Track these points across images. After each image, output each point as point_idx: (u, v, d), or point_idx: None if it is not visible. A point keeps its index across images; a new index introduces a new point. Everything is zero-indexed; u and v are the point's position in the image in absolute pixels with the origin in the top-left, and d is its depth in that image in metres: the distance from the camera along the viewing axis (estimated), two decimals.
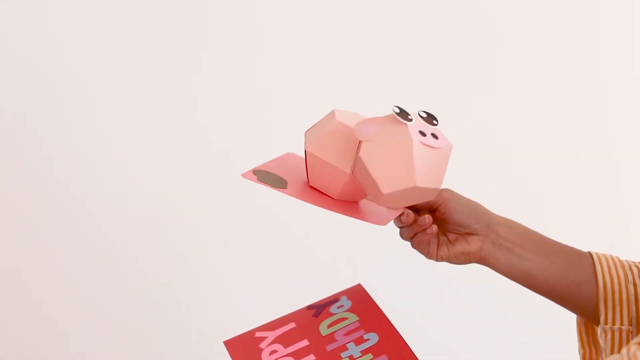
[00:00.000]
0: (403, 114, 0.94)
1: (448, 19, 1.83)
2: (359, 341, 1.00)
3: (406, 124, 0.93)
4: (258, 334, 1.06)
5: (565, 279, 1.01)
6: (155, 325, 1.85)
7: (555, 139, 1.86)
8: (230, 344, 1.05)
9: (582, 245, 1.05)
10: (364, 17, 1.82)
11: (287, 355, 1.01)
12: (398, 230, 1.04)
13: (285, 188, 0.98)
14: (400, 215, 1.00)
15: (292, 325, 1.06)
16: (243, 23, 1.81)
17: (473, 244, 1.02)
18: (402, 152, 0.92)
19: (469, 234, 1.02)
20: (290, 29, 1.82)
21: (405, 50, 1.83)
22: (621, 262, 1.02)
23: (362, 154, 0.94)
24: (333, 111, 1.00)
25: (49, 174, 1.81)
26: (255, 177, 0.97)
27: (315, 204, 0.97)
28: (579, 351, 1.05)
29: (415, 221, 1.01)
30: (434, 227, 1.01)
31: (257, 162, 1.79)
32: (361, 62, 1.83)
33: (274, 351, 1.02)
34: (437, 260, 1.04)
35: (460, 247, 1.03)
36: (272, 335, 1.05)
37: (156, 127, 1.82)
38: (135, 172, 1.82)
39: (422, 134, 0.94)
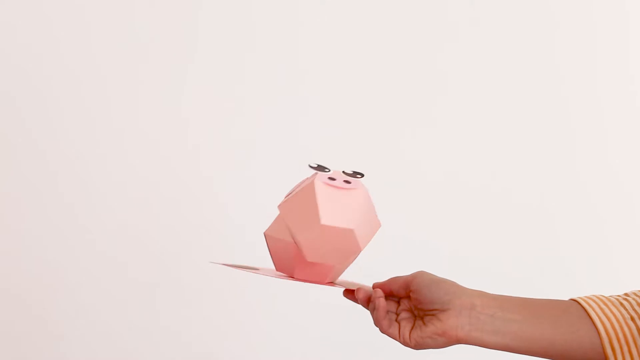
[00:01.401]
0: (319, 167, 0.95)
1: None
2: None
3: (316, 172, 0.95)
4: None
5: (560, 331, 0.94)
6: (153, 328, 1.85)
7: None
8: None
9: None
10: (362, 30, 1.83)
11: None
12: None
13: (258, 269, 0.99)
14: (354, 291, 0.98)
15: None
16: (237, 24, 1.81)
17: (446, 321, 0.94)
18: (308, 196, 0.92)
19: (442, 310, 0.94)
20: (286, 32, 1.82)
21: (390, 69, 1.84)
22: (609, 300, 0.96)
23: (280, 208, 0.95)
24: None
25: (46, 174, 1.80)
26: (228, 265, 0.98)
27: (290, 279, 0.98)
28: None
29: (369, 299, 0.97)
30: (379, 301, 0.96)
31: (255, 161, 1.81)
32: (356, 68, 1.84)
33: None
34: (412, 345, 0.96)
35: (433, 326, 0.95)
36: None
37: (153, 127, 1.82)
38: (130, 172, 1.82)
39: (332, 179, 0.94)
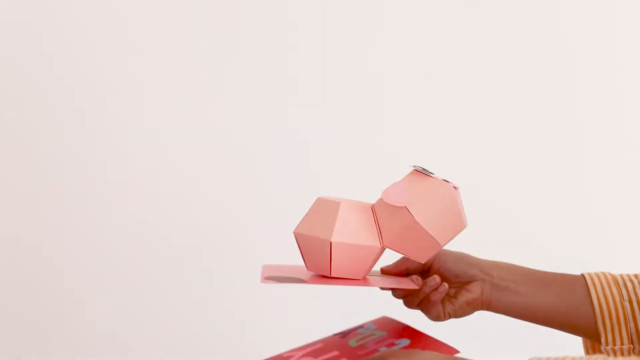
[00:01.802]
0: (425, 170, 0.98)
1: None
2: (390, 346, 1.01)
3: (437, 177, 0.97)
4: (286, 354, 1.05)
5: (563, 306, 1.02)
6: (162, 327, 1.86)
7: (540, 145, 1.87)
8: None
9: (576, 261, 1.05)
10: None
11: None
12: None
13: (304, 280, 0.98)
14: (411, 280, 1.02)
15: (320, 345, 1.06)
16: (248, 22, 1.82)
17: (474, 291, 1.03)
18: (450, 203, 0.95)
19: (468, 282, 1.03)
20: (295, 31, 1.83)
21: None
22: (615, 279, 1.02)
23: (416, 216, 0.95)
24: (319, 199, 1.02)
25: (52, 173, 1.82)
26: (273, 281, 0.96)
27: (339, 284, 0.98)
28: None
29: (424, 284, 1.01)
30: (445, 285, 1.01)
31: (255, 162, 1.82)
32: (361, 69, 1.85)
33: None
34: (444, 319, 1.04)
35: (464, 297, 1.03)
36: (300, 352, 1.04)
37: (160, 126, 1.83)
38: (136, 170, 1.83)
39: (447, 181, 0.97)
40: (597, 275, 1.02)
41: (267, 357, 1.03)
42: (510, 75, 1.85)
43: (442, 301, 1.04)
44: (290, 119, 1.84)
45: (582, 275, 1.03)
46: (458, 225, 0.96)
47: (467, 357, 0.93)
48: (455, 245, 1.04)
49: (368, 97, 1.85)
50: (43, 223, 1.82)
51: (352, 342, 1.04)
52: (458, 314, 1.04)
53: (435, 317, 1.03)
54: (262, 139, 1.84)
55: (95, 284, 1.83)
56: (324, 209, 0.99)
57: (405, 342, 1.00)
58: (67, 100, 1.81)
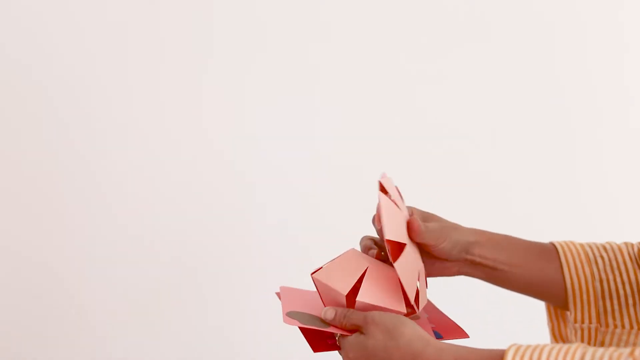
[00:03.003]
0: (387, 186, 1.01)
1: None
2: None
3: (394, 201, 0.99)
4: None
5: (537, 282, 1.04)
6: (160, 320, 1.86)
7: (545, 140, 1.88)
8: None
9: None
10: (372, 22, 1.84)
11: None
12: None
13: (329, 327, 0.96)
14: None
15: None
16: (248, 24, 1.82)
17: (451, 268, 1.05)
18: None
19: (447, 260, 1.04)
20: (295, 30, 1.83)
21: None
22: (587, 256, 1.04)
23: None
24: (352, 250, 1.01)
25: (55, 173, 1.82)
26: (297, 322, 0.95)
27: None
28: (548, 324, 1.08)
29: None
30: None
31: (257, 162, 1.82)
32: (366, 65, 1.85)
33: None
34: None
35: (438, 270, 1.04)
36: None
37: (160, 127, 1.83)
38: (139, 171, 1.83)
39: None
40: (569, 249, 1.04)
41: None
42: (523, 68, 1.86)
43: None
44: (290, 119, 1.84)
45: (555, 249, 1.05)
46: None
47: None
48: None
49: (368, 97, 1.85)
50: (36, 226, 1.82)
51: None
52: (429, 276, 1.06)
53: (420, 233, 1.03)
54: (262, 139, 1.84)
55: (91, 286, 1.84)
56: (354, 263, 0.98)
57: (423, 314, 1.01)
58: (65, 101, 1.81)
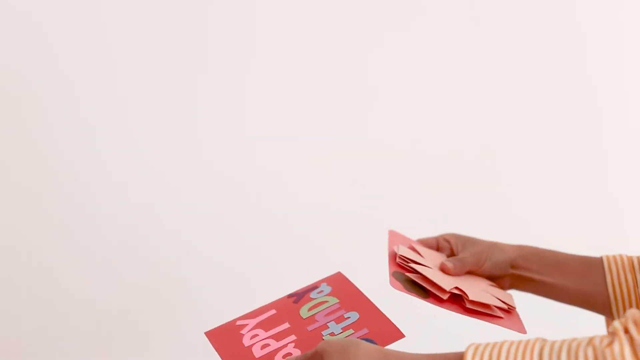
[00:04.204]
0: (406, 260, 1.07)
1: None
2: (339, 320, 1.02)
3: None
4: (239, 322, 1.09)
5: (581, 291, 1.07)
6: (146, 322, 1.86)
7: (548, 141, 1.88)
8: (211, 334, 1.08)
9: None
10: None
11: (268, 337, 1.03)
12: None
13: (428, 298, 1.03)
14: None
15: (273, 312, 1.08)
16: (245, 24, 1.82)
17: (501, 285, 1.11)
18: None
19: (498, 277, 1.10)
20: (294, 30, 1.83)
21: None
22: (631, 264, 1.06)
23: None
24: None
25: (50, 173, 1.82)
26: (402, 286, 1.02)
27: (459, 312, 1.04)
28: None
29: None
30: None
31: (256, 163, 1.82)
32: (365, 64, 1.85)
33: (255, 335, 1.05)
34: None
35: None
36: (252, 322, 1.08)
37: (159, 127, 1.83)
38: (136, 171, 1.83)
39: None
40: (614, 258, 1.07)
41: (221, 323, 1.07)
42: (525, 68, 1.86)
43: None
44: (288, 120, 1.84)
45: (601, 258, 1.08)
46: None
47: (410, 342, 0.96)
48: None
49: (369, 96, 1.85)
50: (35, 228, 1.82)
51: (304, 311, 1.06)
52: None
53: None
54: (259, 140, 1.84)
55: (90, 286, 1.84)
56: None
57: (355, 316, 1.02)
58: (66, 101, 1.81)
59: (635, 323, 0.72)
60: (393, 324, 0.99)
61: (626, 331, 0.73)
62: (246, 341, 1.05)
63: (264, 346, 1.03)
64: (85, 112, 1.81)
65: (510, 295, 1.11)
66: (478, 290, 1.06)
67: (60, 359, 1.83)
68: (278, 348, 1.01)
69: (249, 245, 1.85)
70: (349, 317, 1.02)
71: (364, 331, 0.98)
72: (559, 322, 1.66)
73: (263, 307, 1.10)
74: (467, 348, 0.80)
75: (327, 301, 1.07)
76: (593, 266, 1.07)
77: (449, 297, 1.03)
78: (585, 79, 1.86)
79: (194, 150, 1.83)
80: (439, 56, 1.84)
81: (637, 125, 1.88)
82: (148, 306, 1.85)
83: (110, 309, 1.84)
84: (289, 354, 1.00)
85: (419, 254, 1.09)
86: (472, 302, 1.02)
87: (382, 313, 1.01)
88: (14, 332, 1.83)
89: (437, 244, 1.13)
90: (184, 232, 1.84)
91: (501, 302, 1.05)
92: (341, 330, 1.00)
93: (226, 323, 1.09)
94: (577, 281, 1.07)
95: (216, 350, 1.05)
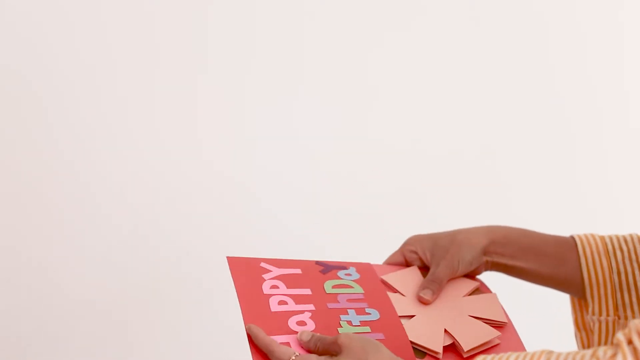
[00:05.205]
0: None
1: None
2: (360, 311, 1.00)
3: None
4: (263, 265, 1.05)
5: (555, 276, 1.06)
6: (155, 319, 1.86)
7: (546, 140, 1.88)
8: (232, 261, 1.04)
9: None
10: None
11: (287, 295, 1.00)
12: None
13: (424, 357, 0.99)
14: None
15: (298, 271, 1.05)
16: (245, 24, 1.82)
17: (476, 272, 1.09)
18: None
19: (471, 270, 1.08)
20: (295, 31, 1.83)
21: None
22: (605, 248, 1.05)
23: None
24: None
25: (51, 172, 1.82)
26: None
27: None
28: (571, 315, 1.08)
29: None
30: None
31: (257, 162, 1.83)
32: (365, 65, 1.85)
33: (275, 286, 1.01)
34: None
35: (466, 274, 1.09)
36: (276, 271, 1.04)
37: (159, 127, 1.83)
38: (136, 171, 1.83)
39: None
40: (587, 241, 1.05)
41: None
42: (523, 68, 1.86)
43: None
44: (288, 120, 1.84)
45: (574, 241, 1.06)
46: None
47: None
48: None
49: (369, 96, 1.85)
50: (34, 229, 1.82)
51: (328, 286, 1.04)
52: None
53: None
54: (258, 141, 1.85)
55: (89, 286, 1.84)
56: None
57: (376, 315, 1.00)
58: (61, 104, 1.81)
59: (639, 334, 0.72)
60: (409, 341, 0.97)
61: (629, 342, 0.73)
62: (265, 288, 1.01)
63: (281, 302, 0.99)
64: (85, 112, 1.81)
65: (497, 301, 1.06)
66: (467, 325, 1.01)
67: (60, 359, 1.84)
68: (295, 312, 0.98)
69: (249, 245, 1.85)
70: (370, 314, 1.00)
71: (380, 336, 0.97)
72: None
73: (289, 260, 1.07)
74: None
75: (352, 287, 1.04)
76: (567, 249, 1.06)
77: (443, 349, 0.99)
78: (585, 79, 1.86)
79: (194, 150, 1.83)
80: (439, 56, 1.84)
81: (637, 125, 1.88)
82: (148, 306, 1.86)
83: (110, 309, 1.84)
84: (303, 322, 0.97)
85: (394, 290, 1.05)
86: (469, 351, 0.98)
87: (400, 322, 1.00)
88: (14, 332, 1.83)
89: (404, 259, 1.10)
90: (184, 232, 1.84)
91: (492, 327, 1.01)
92: (359, 323, 0.98)
93: (249, 258, 1.05)
94: (551, 265, 1.05)
95: (232, 277, 1.01)
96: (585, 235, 1.06)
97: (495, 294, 1.07)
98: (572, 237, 1.07)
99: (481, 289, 1.08)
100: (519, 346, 1.01)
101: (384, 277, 1.06)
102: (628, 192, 1.89)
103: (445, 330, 1.00)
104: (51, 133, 1.81)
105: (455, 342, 0.99)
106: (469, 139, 1.86)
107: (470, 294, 1.07)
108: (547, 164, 1.87)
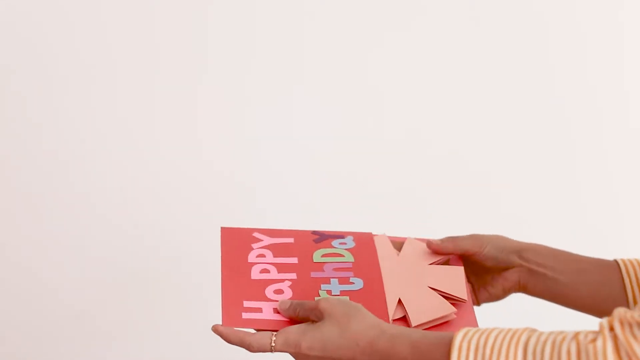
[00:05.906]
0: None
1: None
2: (343, 281, 1.00)
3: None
4: (256, 234, 1.07)
5: (598, 297, 1.01)
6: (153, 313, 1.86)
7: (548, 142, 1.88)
8: (225, 231, 1.06)
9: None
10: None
11: (271, 263, 1.01)
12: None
13: None
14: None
15: (291, 240, 1.07)
16: (245, 24, 1.82)
17: (511, 278, 1.03)
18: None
19: (505, 268, 1.03)
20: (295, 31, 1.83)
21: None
22: None
23: None
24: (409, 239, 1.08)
25: (50, 173, 1.82)
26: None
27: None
28: None
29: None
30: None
31: (257, 162, 1.82)
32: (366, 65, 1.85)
33: (262, 255, 1.03)
34: (478, 305, 1.05)
35: (500, 285, 1.04)
36: (267, 240, 1.06)
37: (158, 129, 1.83)
38: (136, 171, 1.83)
39: None
40: (631, 263, 1.01)
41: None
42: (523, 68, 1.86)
43: (477, 287, 1.05)
44: (288, 120, 1.84)
45: (617, 263, 1.02)
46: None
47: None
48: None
49: (369, 96, 1.85)
50: (34, 229, 1.82)
51: (317, 255, 1.04)
52: (492, 299, 1.05)
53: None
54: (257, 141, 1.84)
55: (88, 287, 1.84)
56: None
57: (359, 284, 0.99)
58: (61, 104, 1.81)
59: (621, 322, 0.73)
60: (386, 308, 0.96)
61: (611, 329, 0.74)
62: (251, 257, 1.02)
63: (263, 270, 1.00)
64: (86, 112, 1.81)
65: (462, 275, 1.02)
66: (423, 297, 0.98)
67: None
68: (274, 280, 0.98)
69: None
70: (354, 284, 0.99)
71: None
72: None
73: (284, 230, 1.08)
74: (460, 331, 0.81)
75: (343, 255, 1.04)
76: (610, 270, 1.01)
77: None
78: (585, 79, 1.86)
79: (194, 150, 1.83)
80: (439, 56, 1.84)
81: (637, 125, 1.88)
82: (148, 306, 1.86)
83: (110, 309, 1.84)
84: (281, 290, 0.97)
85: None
86: (418, 326, 0.95)
87: (383, 292, 0.98)
88: (12, 334, 1.83)
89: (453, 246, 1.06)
90: (184, 232, 1.84)
91: (450, 303, 0.98)
92: (339, 293, 0.97)
93: (244, 228, 1.07)
94: (594, 286, 1.00)
95: (221, 248, 1.03)
96: (629, 259, 1.01)
97: (461, 268, 1.03)
98: (615, 260, 1.02)
99: (452, 261, 1.05)
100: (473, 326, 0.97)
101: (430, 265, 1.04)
102: (628, 192, 1.88)
103: (400, 301, 0.98)
104: (51, 133, 1.81)
105: (406, 315, 0.97)
106: (468, 139, 1.86)
107: (438, 264, 1.03)
108: (547, 164, 1.87)
